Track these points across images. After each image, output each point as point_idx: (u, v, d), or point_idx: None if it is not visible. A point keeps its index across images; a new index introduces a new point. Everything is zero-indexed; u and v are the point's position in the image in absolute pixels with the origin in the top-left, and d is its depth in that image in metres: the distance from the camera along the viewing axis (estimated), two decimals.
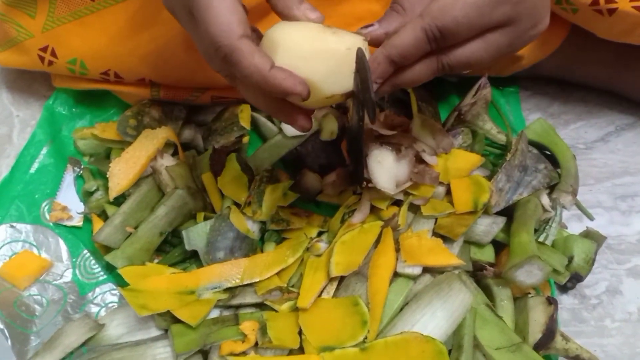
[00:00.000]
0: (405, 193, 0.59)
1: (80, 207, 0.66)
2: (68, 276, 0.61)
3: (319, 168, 0.64)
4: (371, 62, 0.46)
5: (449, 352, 0.50)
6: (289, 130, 0.66)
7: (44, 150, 0.69)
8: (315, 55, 0.44)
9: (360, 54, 0.44)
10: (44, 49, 0.67)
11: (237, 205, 0.61)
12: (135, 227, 0.60)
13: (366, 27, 0.48)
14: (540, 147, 0.66)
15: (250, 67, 0.42)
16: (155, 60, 0.65)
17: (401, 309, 0.53)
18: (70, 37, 0.66)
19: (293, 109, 0.47)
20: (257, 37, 0.47)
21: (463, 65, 0.48)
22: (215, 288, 0.56)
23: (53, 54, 0.67)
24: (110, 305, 0.60)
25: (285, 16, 0.46)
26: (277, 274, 0.57)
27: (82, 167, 0.68)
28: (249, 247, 0.59)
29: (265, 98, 0.46)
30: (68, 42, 0.66)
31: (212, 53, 0.43)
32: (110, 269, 0.61)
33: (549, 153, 0.66)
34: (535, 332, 0.52)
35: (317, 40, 0.44)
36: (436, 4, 0.45)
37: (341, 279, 0.55)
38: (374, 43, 0.47)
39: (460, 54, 0.47)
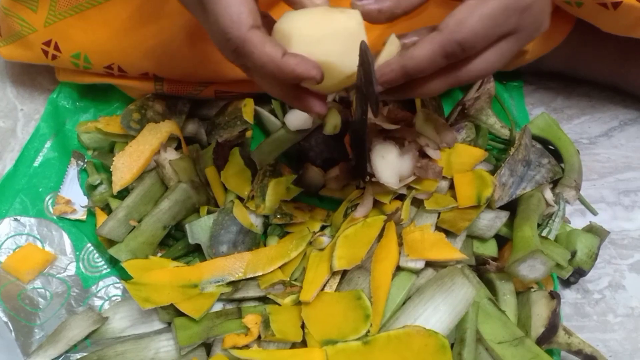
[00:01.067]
0: (409, 187, 0.59)
1: (84, 200, 0.66)
2: (72, 269, 0.61)
3: (322, 162, 0.64)
4: (384, 67, 0.46)
5: (452, 345, 0.50)
6: (292, 124, 0.66)
7: (48, 144, 0.69)
8: (328, 37, 0.44)
9: (363, 47, 0.43)
10: (47, 43, 0.67)
11: (240, 199, 0.61)
12: (139, 221, 0.60)
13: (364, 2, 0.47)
14: (544, 142, 0.66)
15: (263, 56, 0.42)
16: (159, 54, 0.65)
17: (404, 303, 0.53)
18: (73, 32, 0.66)
19: (309, 95, 0.46)
20: (268, 22, 0.46)
21: (477, 76, 0.48)
22: (219, 281, 0.56)
23: (56, 48, 0.67)
24: (113, 298, 0.60)
25: (293, 2, 0.46)
26: (280, 267, 0.57)
27: (85, 160, 0.68)
28: (252, 241, 0.59)
29: (281, 86, 0.46)
30: (71, 36, 0.66)
31: (224, 44, 0.43)
32: (113, 262, 0.61)
33: (552, 148, 0.66)
34: (538, 326, 0.52)
35: (328, 22, 0.44)
36: (452, 19, 0.45)
37: (344, 273, 0.56)
38: (367, 17, 0.47)
39: (475, 66, 0.47)
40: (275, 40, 0.43)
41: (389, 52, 0.47)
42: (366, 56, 0.44)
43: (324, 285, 0.54)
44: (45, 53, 0.68)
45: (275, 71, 0.42)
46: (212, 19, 0.43)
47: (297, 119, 0.66)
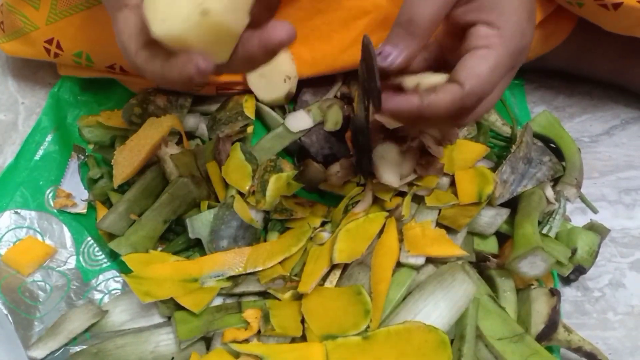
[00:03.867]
0: (410, 184, 0.59)
1: (85, 194, 0.66)
2: (72, 263, 0.61)
3: (323, 158, 0.64)
4: (403, 100, 0.46)
5: (451, 342, 0.50)
6: (293, 125, 0.66)
7: (49, 138, 0.69)
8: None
9: (366, 42, 0.43)
10: (49, 42, 0.67)
11: (241, 194, 0.61)
12: (139, 215, 0.60)
13: (382, 54, 0.46)
14: (545, 140, 0.66)
15: (151, 74, 0.43)
16: None
17: (404, 299, 0.53)
18: (75, 31, 0.66)
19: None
20: None
21: (481, 116, 0.50)
22: (219, 276, 0.56)
23: (58, 46, 0.67)
24: (113, 292, 0.60)
25: None
26: (280, 263, 0.57)
27: (86, 154, 0.68)
28: (253, 236, 0.59)
29: (180, 83, 0.43)
30: (73, 35, 0.66)
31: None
32: (114, 256, 0.61)
33: (553, 146, 0.66)
34: (538, 323, 0.52)
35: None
36: (466, 72, 0.45)
37: (344, 268, 0.56)
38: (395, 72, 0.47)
39: (481, 109, 0.48)
40: (155, 52, 0.42)
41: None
42: (369, 51, 0.44)
43: (324, 280, 0.54)
44: (48, 51, 0.68)
45: (167, 81, 0.42)
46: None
47: (298, 121, 0.66)
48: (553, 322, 0.52)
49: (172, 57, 0.41)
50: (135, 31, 0.43)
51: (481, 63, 0.46)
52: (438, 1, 0.45)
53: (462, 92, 0.45)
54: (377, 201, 0.59)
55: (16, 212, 0.64)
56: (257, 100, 0.69)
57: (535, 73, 0.77)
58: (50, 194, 0.66)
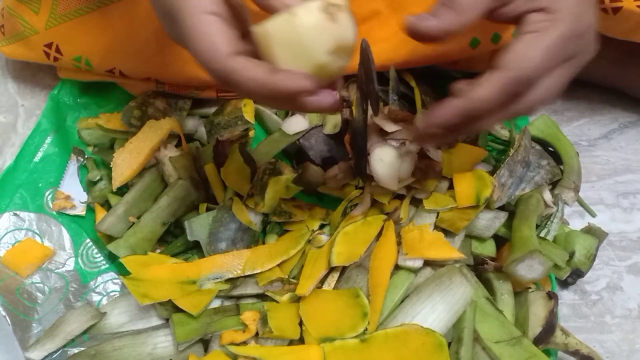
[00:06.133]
0: (408, 187, 0.59)
1: (84, 196, 0.66)
2: (70, 265, 0.61)
3: (321, 161, 0.64)
4: (444, 110, 0.44)
5: (449, 344, 0.50)
6: (289, 128, 0.66)
7: (49, 140, 0.70)
8: (308, 34, 0.40)
9: (364, 45, 0.44)
10: (49, 46, 0.67)
11: (240, 196, 0.61)
12: (138, 217, 0.60)
13: (422, 19, 0.43)
14: (544, 144, 0.66)
15: (250, 83, 0.40)
16: (160, 59, 0.65)
17: (402, 302, 0.53)
18: (74, 35, 0.66)
19: (316, 95, 0.42)
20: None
21: (536, 106, 0.45)
22: (217, 278, 0.56)
23: (58, 50, 0.67)
24: (112, 294, 0.60)
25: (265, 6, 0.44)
26: (278, 265, 0.57)
27: (86, 156, 0.68)
28: (251, 238, 0.59)
29: (280, 101, 0.43)
30: (72, 40, 0.66)
31: (211, 75, 0.42)
32: (112, 258, 0.61)
33: (552, 149, 0.66)
34: (535, 326, 0.52)
35: (296, 22, 0.40)
36: (511, 55, 0.43)
37: (342, 271, 0.56)
38: (427, 38, 0.44)
39: (534, 97, 0.45)
40: (257, 60, 0.41)
41: None
42: (367, 54, 0.44)
43: (322, 283, 0.55)
44: (47, 55, 0.68)
45: (267, 93, 0.41)
46: (193, 55, 0.42)
47: (294, 124, 0.66)
48: (550, 325, 0.52)
49: (274, 71, 0.40)
50: (225, 36, 0.41)
51: (529, 46, 0.42)
52: None
53: (508, 76, 0.42)
54: (375, 204, 0.59)
55: (15, 214, 0.64)
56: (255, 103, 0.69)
57: None
58: (50, 196, 0.66)
